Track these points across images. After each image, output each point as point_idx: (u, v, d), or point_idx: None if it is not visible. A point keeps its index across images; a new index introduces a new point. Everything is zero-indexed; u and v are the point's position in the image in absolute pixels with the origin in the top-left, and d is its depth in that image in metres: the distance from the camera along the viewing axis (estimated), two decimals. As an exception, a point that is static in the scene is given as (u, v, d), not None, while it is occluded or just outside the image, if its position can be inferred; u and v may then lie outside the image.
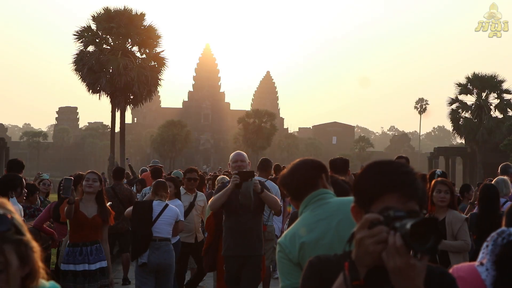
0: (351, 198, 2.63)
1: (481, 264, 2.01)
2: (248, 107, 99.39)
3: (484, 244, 2.03)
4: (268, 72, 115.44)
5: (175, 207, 7.02)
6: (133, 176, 16.19)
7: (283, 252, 2.54)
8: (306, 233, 2.56)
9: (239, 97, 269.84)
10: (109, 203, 7.60)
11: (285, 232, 2.66)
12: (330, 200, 2.75)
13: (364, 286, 1.43)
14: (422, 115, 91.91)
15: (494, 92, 41.98)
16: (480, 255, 2.03)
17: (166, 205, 6.87)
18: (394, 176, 1.54)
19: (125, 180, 10.58)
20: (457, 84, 42.12)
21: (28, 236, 1.59)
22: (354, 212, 1.60)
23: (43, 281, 1.64)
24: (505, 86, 41.60)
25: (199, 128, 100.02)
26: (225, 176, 9.02)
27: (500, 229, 2.02)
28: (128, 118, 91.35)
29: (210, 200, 5.89)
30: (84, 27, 30.90)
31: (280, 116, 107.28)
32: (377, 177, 1.56)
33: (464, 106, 42.42)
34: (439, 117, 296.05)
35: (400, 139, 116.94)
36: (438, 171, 7.06)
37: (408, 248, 1.33)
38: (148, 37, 31.43)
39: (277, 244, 2.60)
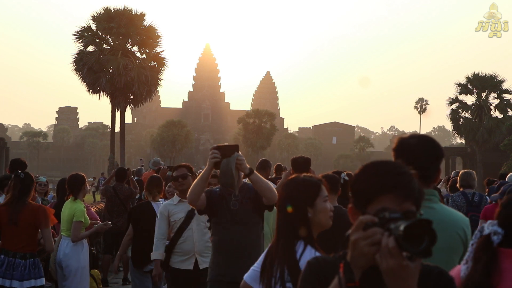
0: (458, 215, 2.51)
1: (466, 262, 2.01)
2: (248, 107, 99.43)
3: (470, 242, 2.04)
4: (268, 72, 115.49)
5: None
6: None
7: None
8: None
9: (239, 97, 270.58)
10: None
11: None
12: (435, 206, 2.44)
13: (359, 288, 1.44)
14: (422, 115, 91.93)
15: (494, 92, 41.89)
16: (467, 254, 2.05)
17: None
18: (390, 177, 1.55)
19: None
20: (457, 84, 42.04)
21: None
22: (351, 213, 1.60)
23: None
24: (505, 86, 41.50)
25: (199, 128, 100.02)
26: None
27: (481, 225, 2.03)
28: (128, 118, 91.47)
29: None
30: (84, 27, 30.88)
31: (280, 116, 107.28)
32: (373, 178, 1.57)
33: (464, 106, 42.33)
34: (439, 117, 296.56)
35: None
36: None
37: (401, 249, 1.33)
38: (148, 37, 31.41)
39: None
